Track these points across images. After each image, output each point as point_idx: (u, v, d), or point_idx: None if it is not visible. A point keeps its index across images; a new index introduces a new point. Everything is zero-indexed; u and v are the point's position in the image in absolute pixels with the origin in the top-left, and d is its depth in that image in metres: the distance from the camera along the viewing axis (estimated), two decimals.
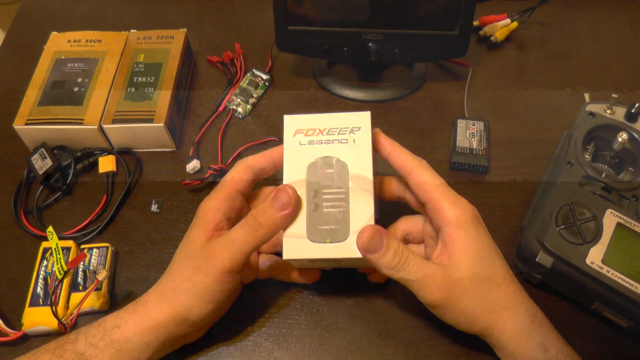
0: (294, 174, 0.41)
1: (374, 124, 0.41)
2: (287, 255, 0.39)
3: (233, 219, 0.43)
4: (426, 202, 0.41)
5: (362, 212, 0.39)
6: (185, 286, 0.40)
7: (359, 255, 0.38)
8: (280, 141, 0.58)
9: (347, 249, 0.38)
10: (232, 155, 0.58)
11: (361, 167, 0.40)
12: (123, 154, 0.58)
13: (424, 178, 0.40)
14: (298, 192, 0.40)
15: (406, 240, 0.46)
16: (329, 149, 0.41)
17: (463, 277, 0.39)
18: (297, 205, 0.39)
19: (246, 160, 0.44)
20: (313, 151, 0.41)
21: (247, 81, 0.64)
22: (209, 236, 0.41)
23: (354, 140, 0.41)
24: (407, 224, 0.46)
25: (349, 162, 0.41)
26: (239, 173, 0.43)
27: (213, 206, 0.42)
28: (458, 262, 0.39)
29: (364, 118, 0.42)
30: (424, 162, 0.42)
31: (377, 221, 0.40)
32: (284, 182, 0.41)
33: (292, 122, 0.43)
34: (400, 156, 0.41)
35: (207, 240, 0.40)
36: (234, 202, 0.42)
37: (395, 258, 0.38)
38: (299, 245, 0.39)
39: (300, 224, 0.40)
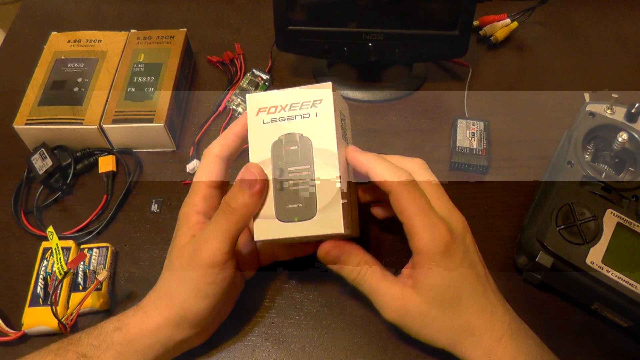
0: (259, 155, 0.40)
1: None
2: (257, 236, 0.39)
3: None
4: (403, 224, 0.39)
5: (328, 188, 0.38)
6: (177, 286, 0.40)
7: (327, 232, 0.38)
8: None
9: (315, 226, 0.38)
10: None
11: (325, 141, 0.39)
12: (123, 154, 0.58)
13: (403, 198, 0.38)
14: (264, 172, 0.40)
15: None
16: (292, 125, 0.40)
17: (420, 305, 0.39)
18: (265, 182, 0.39)
19: (211, 150, 0.42)
20: (276, 129, 0.40)
21: (247, 81, 0.64)
22: (193, 236, 0.41)
23: (316, 113, 0.40)
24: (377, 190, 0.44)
25: (313, 137, 0.39)
26: (208, 167, 0.42)
27: (192, 210, 0.42)
28: (419, 290, 0.39)
29: (325, 90, 0.40)
30: (405, 175, 0.38)
31: (345, 195, 0.39)
32: None
33: (254, 101, 0.41)
34: (379, 174, 0.39)
35: (191, 240, 0.41)
36: (211, 200, 0.42)
37: (352, 274, 0.41)
38: (268, 225, 0.39)
39: (269, 205, 0.39)
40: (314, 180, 0.39)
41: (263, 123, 0.41)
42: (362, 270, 0.40)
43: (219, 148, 0.42)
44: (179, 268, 0.40)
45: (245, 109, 0.62)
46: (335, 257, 0.40)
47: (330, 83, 0.40)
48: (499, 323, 0.39)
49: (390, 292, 0.40)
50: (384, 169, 0.39)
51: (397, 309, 0.40)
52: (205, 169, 0.42)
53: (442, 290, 0.39)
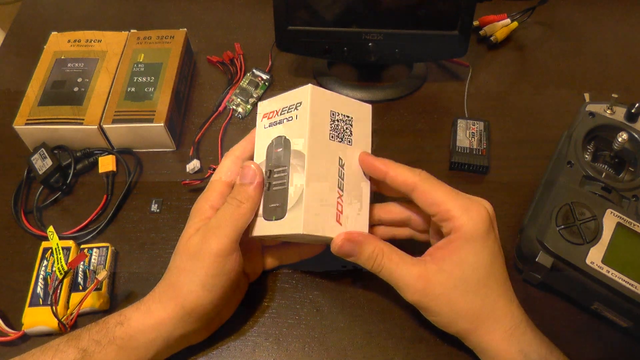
0: (258, 158, 0.43)
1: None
2: (251, 232, 0.42)
3: None
4: (436, 214, 0.39)
5: (296, 189, 0.39)
6: (183, 278, 0.40)
7: (290, 232, 0.39)
8: None
9: (287, 226, 0.39)
10: None
11: (299, 142, 0.40)
12: (123, 154, 0.58)
13: (430, 191, 0.39)
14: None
15: (404, 223, 0.45)
16: (281, 128, 0.42)
17: (445, 283, 0.39)
18: (262, 175, 0.41)
19: (233, 152, 0.44)
20: (272, 133, 0.42)
21: (247, 81, 0.64)
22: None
23: (297, 116, 0.41)
24: (379, 211, 0.45)
25: (292, 139, 0.41)
26: (229, 167, 0.43)
27: (207, 205, 0.42)
28: (447, 269, 0.39)
29: (304, 92, 0.41)
30: (424, 173, 0.40)
31: (308, 198, 0.39)
32: None
33: (262, 108, 0.44)
34: (399, 174, 0.40)
35: (197, 232, 0.41)
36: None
37: (368, 262, 0.40)
38: (258, 223, 0.41)
39: (261, 204, 0.42)
40: (289, 180, 0.40)
41: (264, 128, 0.43)
42: (378, 257, 0.40)
43: (240, 150, 0.44)
44: (186, 259, 0.40)
45: (246, 109, 0.62)
46: (349, 251, 0.40)
47: (308, 85, 0.41)
48: (518, 308, 0.40)
49: (410, 274, 0.39)
50: (402, 169, 0.40)
51: (419, 290, 0.39)
52: (225, 167, 0.43)
53: (471, 269, 0.39)
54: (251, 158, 0.44)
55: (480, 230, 0.38)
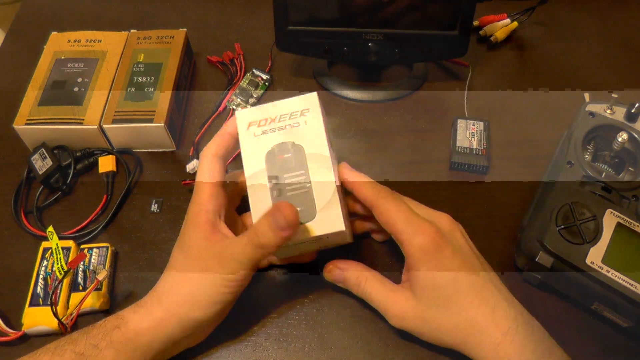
0: (254, 166, 0.42)
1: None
2: None
3: (224, 212, 0.43)
4: (392, 234, 0.41)
5: (324, 188, 0.40)
6: (185, 289, 0.40)
7: (329, 231, 0.39)
8: None
9: (317, 227, 0.39)
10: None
11: (316, 146, 0.41)
12: (123, 154, 0.58)
13: (385, 211, 0.41)
14: (259, 182, 0.41)
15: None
16: (284, 134, 0.42)
17: (417, 307, 0.41)
18: (297, 225, 0.38)
19: (208, 151, 0.44)
20: (268, 140, 0.42)
21: (247, 81, 0.64)
22: (206, 237, 0.41)
23: (305, 122, 0.42)
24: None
25: (304, 143, 0.41)
26: (208, 167, 0.43)
27: (202, 209, 0.42)
28: (415, 294, 0.41)
29: (311, 99, 0.42)
30: (384, 191, 0.42)
31: (341, 193, 0.41)
32: (246, 176, 0.42)
33: (243, 116, 0.43)
34: (362, 189, 0.42)
35: (205, 241, 0.41)
36: (217, 198, 0.43)
37: (354, 287, 0.44)
38: None
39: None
40: (310, 183, 0.40)
41: (254, 136, 0.43)
42: (361, 284, 0.43)
43: (215, 148, 0.44)
44: (192, 272, 0.40)
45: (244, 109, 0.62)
46: (337, 277, 0.45)
47: (315, 93, 0.42)
48: (503, 317, 0.39)
49: (389, 300, 0.42)
50: (367, 185, 0.42)
51: (397, 315, 0.42)
52: (205, 168, 0.43)
53: (434, 289, 0.40)
54: (227, 154, 0.44)
55: (427, 251, 0.39)
